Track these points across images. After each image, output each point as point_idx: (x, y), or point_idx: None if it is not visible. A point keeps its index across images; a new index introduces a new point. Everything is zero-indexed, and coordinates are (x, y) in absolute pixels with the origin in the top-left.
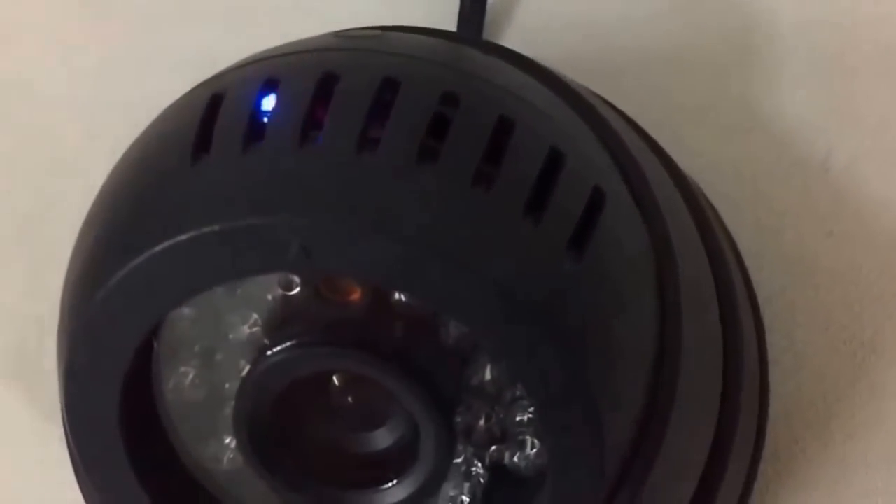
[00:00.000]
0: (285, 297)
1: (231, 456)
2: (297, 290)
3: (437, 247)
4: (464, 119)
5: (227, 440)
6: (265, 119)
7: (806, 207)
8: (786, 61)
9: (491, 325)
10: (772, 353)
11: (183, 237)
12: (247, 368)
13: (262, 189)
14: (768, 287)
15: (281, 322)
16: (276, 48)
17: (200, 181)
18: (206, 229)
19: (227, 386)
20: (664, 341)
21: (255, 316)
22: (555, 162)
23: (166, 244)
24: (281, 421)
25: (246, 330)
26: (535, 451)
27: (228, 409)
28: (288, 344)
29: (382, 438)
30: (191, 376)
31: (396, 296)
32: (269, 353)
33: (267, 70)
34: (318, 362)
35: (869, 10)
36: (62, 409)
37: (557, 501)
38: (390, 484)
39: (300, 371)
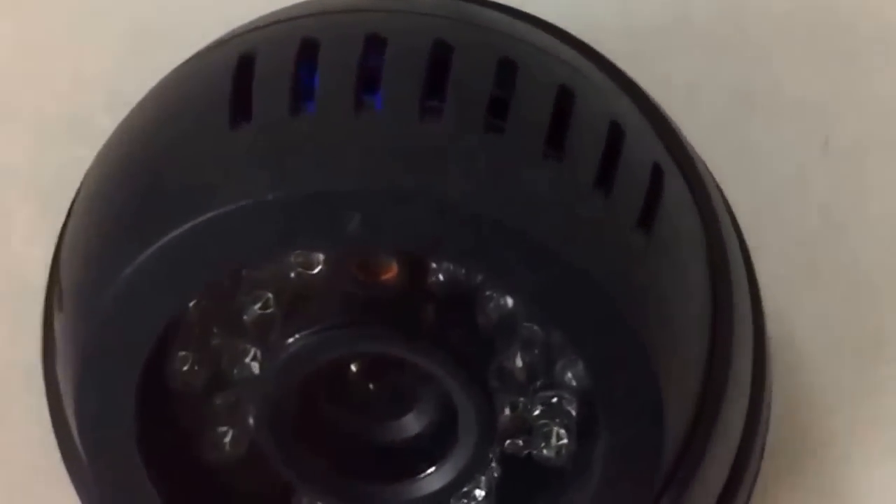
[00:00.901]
0: (307, 276)
1: (228, 447)
2: (319, 268)
3: (514, 223)
4: (526, 88)
5: (223, 429)
6: (311, 82)
7: (804, 192)
8: (781, 40)
9: (561, 302)
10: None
11: (230, 207)
12: (256, 352)
13: (319, 157)
14: (764, 274)
15: (303, 303)
16: (292, 7)
17: (244, 148)
18: (258, 199)
19: (235, 372)
20: (716, 326)
21: (268, 296)
22: (616, 136)
23: (211, 215)
24: (304, 413)
25: (256, 311)
26: (562, 442)
27: (227, 398)
28: (321, 326)
29: (411, 425)
30: (190, 361)
31: (432, 276)
32: (296, 336)
33: (300, 30)
34: (355, 344)
35: None
36: (73, 398)
37: (608, 493)
38: (428, 471)
39: (332, 354)
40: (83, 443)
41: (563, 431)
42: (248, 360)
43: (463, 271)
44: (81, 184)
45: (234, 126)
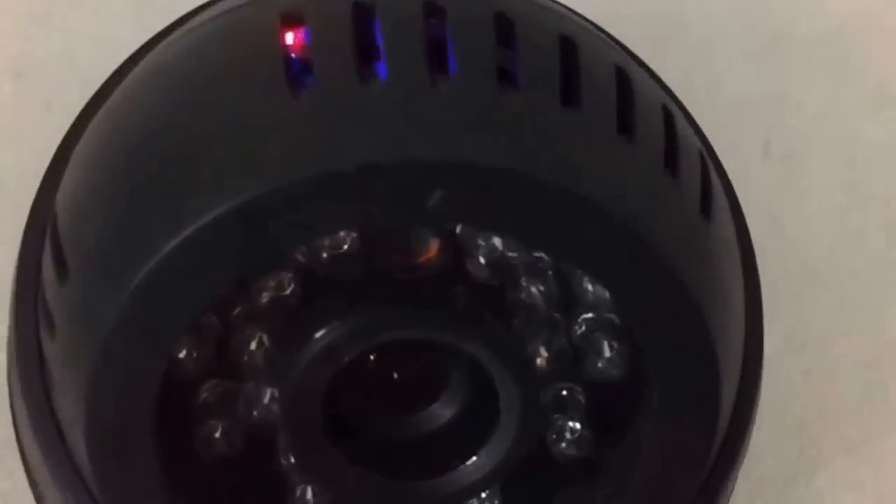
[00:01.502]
0: (336, 257)
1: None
2: (346, 247)
3: (600, 202)
4: (589, 66)
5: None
6: (375, 48)
7: (745, 193)
8: (721, 42)
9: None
10: None
11: (298, 178)
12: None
13: (400, 127)
14: None
15: (331, 287)
16: None
17: (311, 116)
18: (331, 169)
19: (245, 358)
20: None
21: (289, 276)
22: (670, 119)
23: (275, 186)
24: (328, 409)
25: (266, 297)
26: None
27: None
28: (359, 311)
29: (440, 414)
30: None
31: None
32: (332, 322)
33: None
34: (399, 330)
35: None
36: (88, 382)
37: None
38: (472, 460)
39: (372, 342)
40: (95, 435)
41: (577, 426)
42: (254, 345)
43: (507, 255)
44: (85, 137)
45: (296, 94)
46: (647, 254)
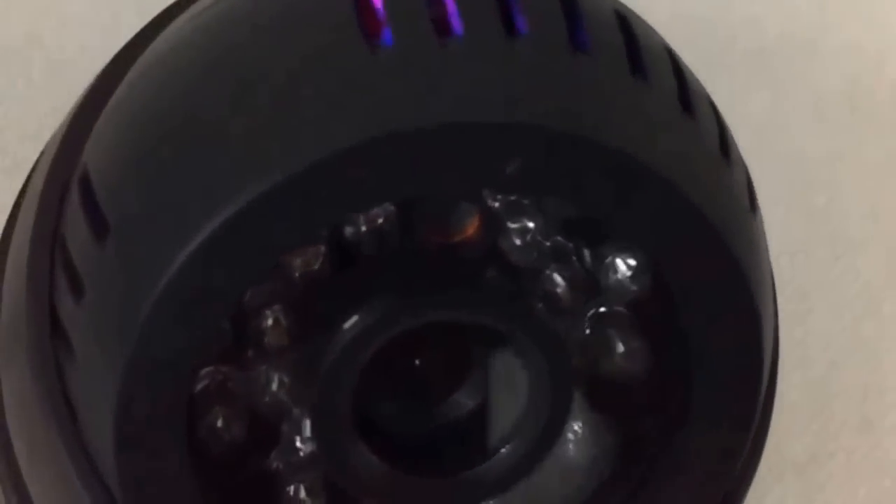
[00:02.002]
0: (365, 232)
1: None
2: (381, 221)
3: (672, 176)
4: (644, 39)
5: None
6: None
7: None
8: None
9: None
10: None
11: (379, 134)
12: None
13: (481, 88)
14: None
15: (363, 262)
16: None
17: (389, 73)
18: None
19: (266, 340)
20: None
21: (322, 249)
22: (678, 68)
23: (354, 144)
24: (361, 403)
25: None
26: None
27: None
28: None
29: (469, 398)
30: None
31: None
32: (369, 304)
33: None
34: (438, 313)
35: (744, 11)
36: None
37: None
38: (504, 449)
39: (412, 324)
40: (126, 416)
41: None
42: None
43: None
44: (122, 91)
45: (374, 51)
46: (680, 201)
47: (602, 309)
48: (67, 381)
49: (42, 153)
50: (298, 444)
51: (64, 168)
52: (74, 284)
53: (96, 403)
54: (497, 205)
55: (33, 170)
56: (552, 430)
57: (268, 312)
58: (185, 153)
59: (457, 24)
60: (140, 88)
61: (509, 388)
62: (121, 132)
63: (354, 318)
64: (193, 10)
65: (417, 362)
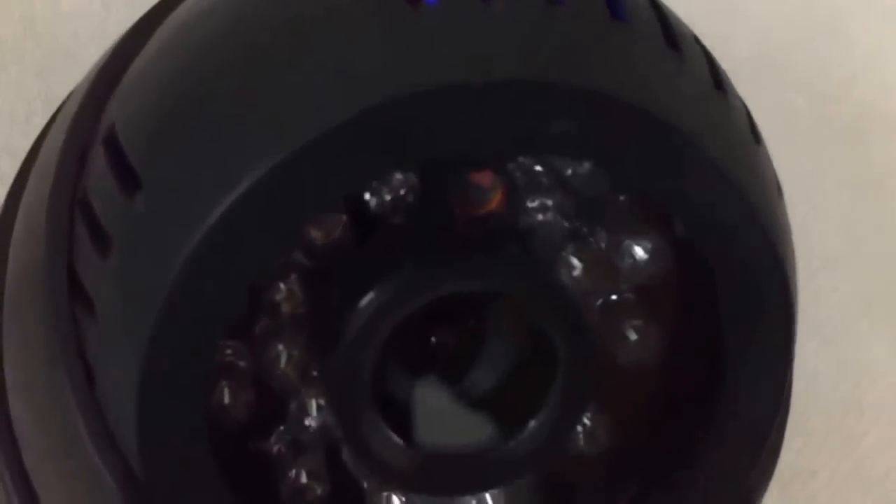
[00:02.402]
0: (388, 202)
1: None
2: (404, 192)
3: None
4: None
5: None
6: None
7: None
8: None
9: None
10: None
11: (424, 89)
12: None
13: (528, 47)
14: None
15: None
16: None
17: (431, 28)
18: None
19: (285, 310)
20: None
21: (343, 219)
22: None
23: (405, 94)
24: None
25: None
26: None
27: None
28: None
29: (490, 375)
30: None
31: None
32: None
33: None
34: (462, 280)
35: (714, 30)
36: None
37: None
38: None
39: (438, 291)
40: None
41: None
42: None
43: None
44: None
45: (416, 8)
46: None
47: (613, 297)
48: (86, 343)
49: (51, 122)
50: (307, 422)
51: (83, 132)
52: (100, 241)
53: (118, 364)
54: (520, 175)
55: (40, 138)
56: (575, 404)
57: (282, 285)
58: (221, 110)
59: None
60: (170, 51)
61: (529, 363)
62: (152, 93)
63: (376, 289)
64: None
65: (437, 340)
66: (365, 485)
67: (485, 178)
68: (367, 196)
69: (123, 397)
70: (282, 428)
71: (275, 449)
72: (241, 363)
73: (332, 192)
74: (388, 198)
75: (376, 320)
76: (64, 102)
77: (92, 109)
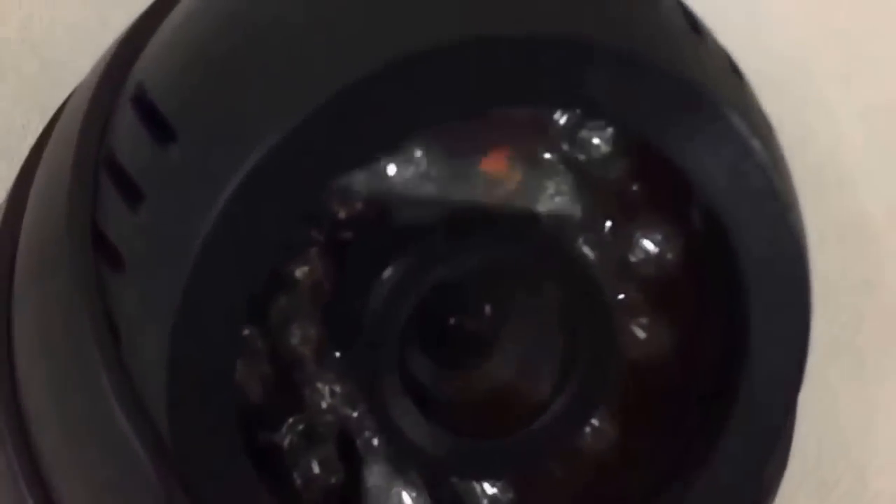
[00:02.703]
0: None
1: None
2: (424, 168)
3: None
4: None
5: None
6: None
7: None
8: None
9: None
10: None
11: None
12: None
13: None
14: None
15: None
16: None
17: None
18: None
19: (304, 287)
20: None
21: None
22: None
23: (440, 45)
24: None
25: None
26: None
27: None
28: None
29: (511, 358)
30: None
31: None
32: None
33: None
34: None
35: None
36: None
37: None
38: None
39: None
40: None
41: None
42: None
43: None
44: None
45: None
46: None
47: (621, 296)
48: (112, 300)
49: (73, 93)
50: (322, 407)
51: (108, 94)
52: (131, 194)
53: (147, 321)
54: (535, 160)
55: (62, 108)
56: (593, 392)
57: (302, 261)
58: (253, 67)
59: None
60: (198, 19)
61: (549, 343)
62: (182, 55)
63: (397, 263)
64: None
65: (459, 322)
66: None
67: (502, 156)
68: (391, 170)
69: (153, 356)
70: (296, 416)
71: (287, 437)
72: (258, 343)
73: (361, 147)
74: (409, 174)
75: (400, 293)
76: (71, 94)
77: (117, 74)
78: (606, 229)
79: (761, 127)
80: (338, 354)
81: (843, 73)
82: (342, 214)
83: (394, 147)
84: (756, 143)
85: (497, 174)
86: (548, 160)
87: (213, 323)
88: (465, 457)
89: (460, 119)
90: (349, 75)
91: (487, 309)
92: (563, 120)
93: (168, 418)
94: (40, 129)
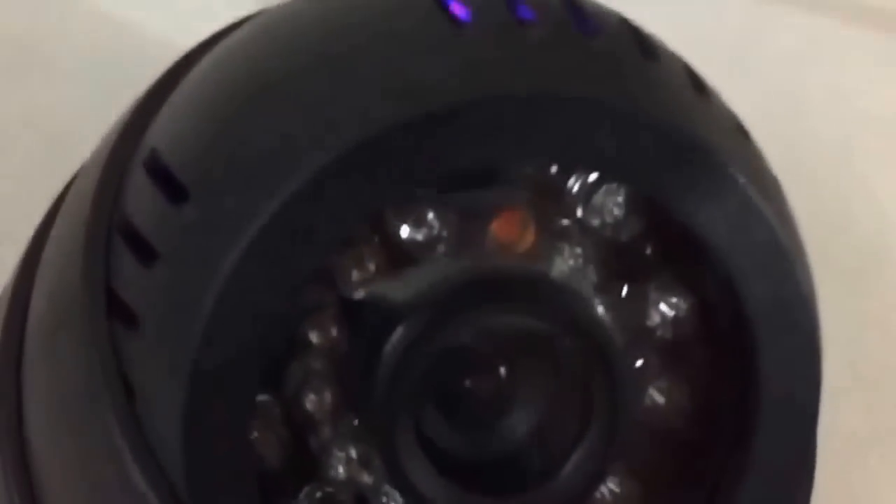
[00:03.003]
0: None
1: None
2: (436, 231)
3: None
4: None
5: None
6: None
7: None
8: None
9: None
10: None
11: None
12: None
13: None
14: None
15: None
16: None
17: (469, 50)
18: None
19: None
20: None
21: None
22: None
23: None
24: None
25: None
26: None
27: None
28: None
29: (520, 425)
30: None
31: None
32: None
33: None
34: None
35: None
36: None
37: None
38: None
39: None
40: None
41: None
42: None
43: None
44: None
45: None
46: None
47: (639, 362)
48: (127, 360)
49: (83, 165)
50: (340, 470)
51: (121, 161)
52: (144, 254)
53: (161, 379)
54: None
55: (75, 178)
56: (614, 439)
57: (316, 324)
58: (268, 114)
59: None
60: (210, 82)
61: (565, 401)
62: (194, 116)
63: (408, 322)
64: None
65: (473, 383)
66: None
67: (516, 219)
68: (405, 232)
69: (168, 414)
70: (313, 482)
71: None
72: (274, 409)
73: (374, 203)
74: (420, 237)
75: (411, 354)
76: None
77: (130, 140)
78: (620, 292)
79: (766, 183)
80: (354, 418)
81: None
82: (356, 276)
83: (408, 201)
84: (759, 197)
85: (510, 237)
86: (562, 225)
87: (226, 380)
88: None
89: (467, 178)
90: (360, 130)
91: (502, 370)
92: (576, 186)
93: (185, 477)
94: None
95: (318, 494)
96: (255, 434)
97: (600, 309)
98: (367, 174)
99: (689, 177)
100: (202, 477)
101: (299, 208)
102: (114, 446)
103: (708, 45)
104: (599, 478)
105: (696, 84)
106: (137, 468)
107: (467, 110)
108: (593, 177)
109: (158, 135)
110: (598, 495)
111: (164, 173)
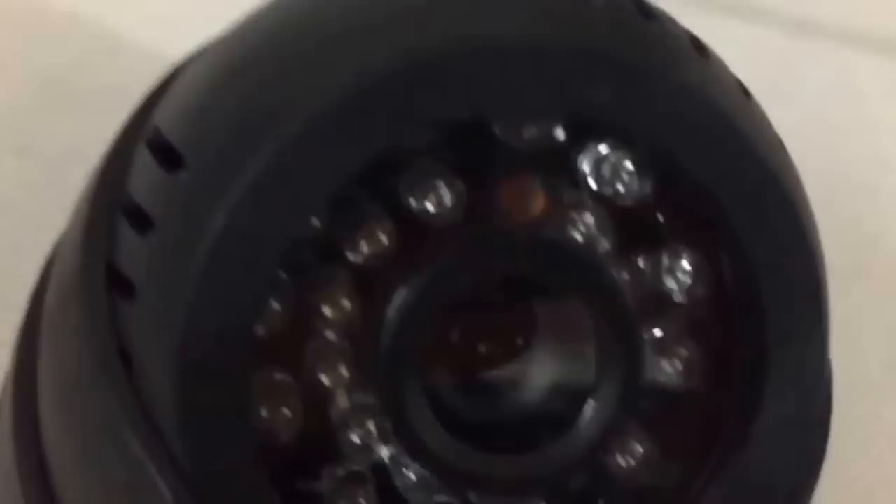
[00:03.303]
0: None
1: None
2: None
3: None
4: None
5: None
6: None
7: None
8: None
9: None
10: None
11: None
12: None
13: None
14: None
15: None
16: None
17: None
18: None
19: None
20: None
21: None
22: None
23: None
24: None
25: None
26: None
27: None
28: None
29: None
30: None
31: None
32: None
33: None
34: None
35: None
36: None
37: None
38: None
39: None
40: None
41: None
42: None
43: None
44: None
45: None
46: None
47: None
48: (124, 332)
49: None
50: (357, 441)
51: (128, 141)
52: (141, 222)
53: (156, 345)
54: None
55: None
56: (625, 397)
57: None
58: (255, 89)
59: None
60: (208, 56)
61: (577, 362)
62: (190, 87)
63: (410, 285)
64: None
65: (479, 343)
66: None
67: (525, 187)
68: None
69: (163, 378)
70: (333, 460)
71: (326, 483)
72: (289, 385)
73: (364, 155)
74: (431, 208)
75: (415, 313)
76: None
77: (137, 125)
78: (633, 259)
79: (769, 138)
80: (369, 391)
81: None
82: (366, 248)
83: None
84: (761, 146)
85: (520, 205)
86: (572, 193)
87: (221, 343)
88: (500, 474)
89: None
90: (356, 77)
91: (513, 330)
92: (585, 155)
93: (183, 446)
94: None
95: (340, 472)
96: (267, 412)
97: (612, 271)
98: (358, 123)
99: (690, 127)
100: (200, 446)
101: (291, 159)
102: (111, 418)
103: (743, 77)
104: (613, 434)
105: (697, 45)
106: (134, 436)
107: (457, 60)
108: (602, 147)
109: (160, 115)
110: (612, 458)
111: (162, 145)
